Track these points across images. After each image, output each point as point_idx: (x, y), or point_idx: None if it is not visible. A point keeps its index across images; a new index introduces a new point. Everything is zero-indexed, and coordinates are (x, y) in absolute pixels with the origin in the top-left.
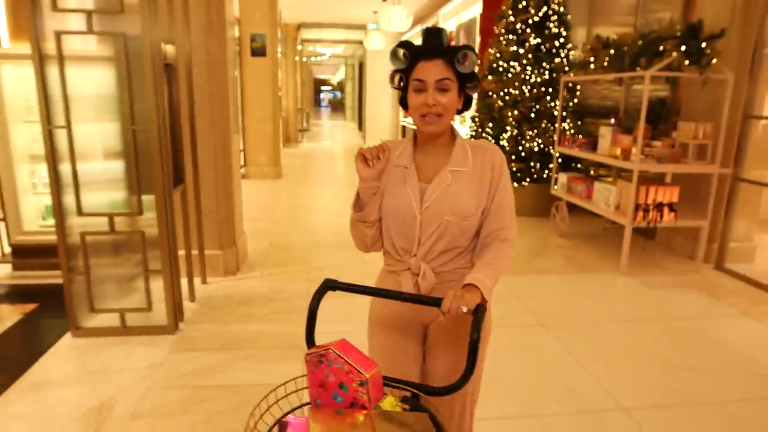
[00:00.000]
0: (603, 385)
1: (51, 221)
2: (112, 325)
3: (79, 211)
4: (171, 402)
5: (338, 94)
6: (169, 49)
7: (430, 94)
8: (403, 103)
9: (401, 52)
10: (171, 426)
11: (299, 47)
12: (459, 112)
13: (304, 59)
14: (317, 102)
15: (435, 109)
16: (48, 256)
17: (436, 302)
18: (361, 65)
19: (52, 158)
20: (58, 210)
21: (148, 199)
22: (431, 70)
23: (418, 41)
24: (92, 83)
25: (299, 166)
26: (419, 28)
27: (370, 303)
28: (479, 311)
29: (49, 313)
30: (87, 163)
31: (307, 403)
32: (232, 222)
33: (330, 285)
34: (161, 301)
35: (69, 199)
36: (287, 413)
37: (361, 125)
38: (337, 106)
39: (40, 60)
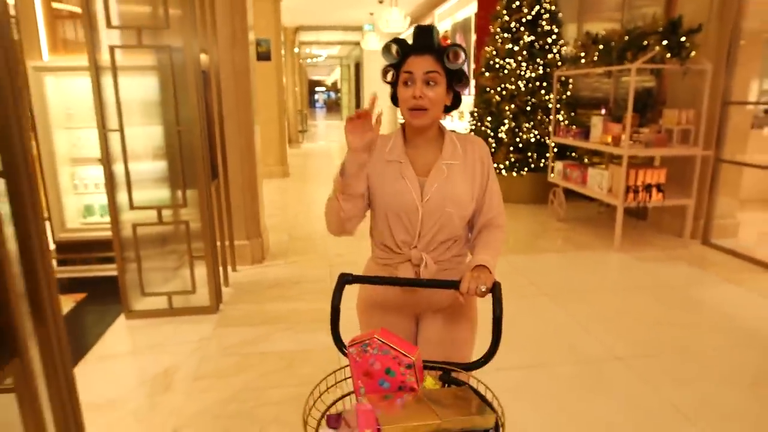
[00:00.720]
0: (600, 340)
1: (91, 219)
2: (160, 307)
3: (131, 206)
4: (226, 366)
5: (332, 94)
6: (203, 58)
7: (418, 87)
8: (394, 98)
9: (394, 47)
10: (229, 384)
11: (296, 50)
12: (448, 110)
13: (301, 61)
14: (312, 103)
15: (421, 101)
16: (90, 251)
17: (454, 284)
18: (358, 65)
19: (107, 159)
20: (112, 205)
21: (188, 193)
22: (420, 63)
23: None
24: (140, 91)
25: (303, 165)
26: None
27: (359, 287)
28: (496, 289)
29: (98, 300)
30: (136, 163)
31: (351, 392)
32: (258, 215)
33: (347, 279)
34: (203, 286)
35: (120, 197)
36: (333, 404)
37: None
38: (332, 107)
39: (96, 71)
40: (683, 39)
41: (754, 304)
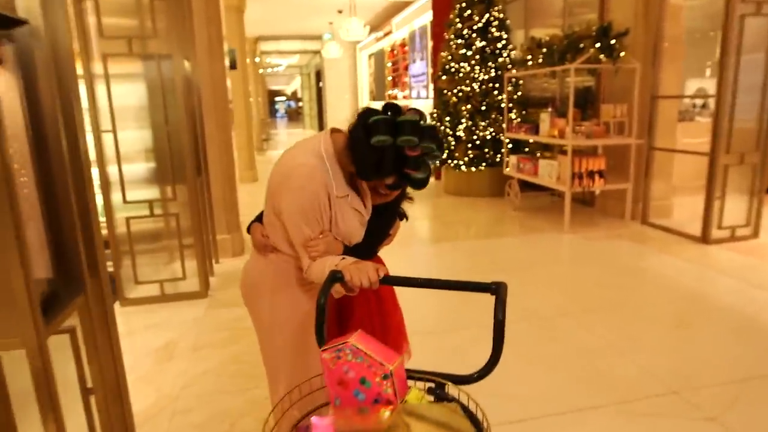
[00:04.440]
0: (551, 302)
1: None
2: (153, 294)
3: (124, 200)
4: (221, 338)
5: (292, 103)
6: (186, 65)
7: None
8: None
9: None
10: (227, 351)
11: (257, 59)
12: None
13: (261, 71)
14: (272, 112)
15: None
16: None
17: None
18: (318, 74)
19: (101, 159)
20: (107, 201)
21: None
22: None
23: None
24: (130, 96)
25: (269, 171)
26: (374, 36)
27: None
28: (501, 290)
29: None
30: (128, 163)
31: (326, 404)
32: (237, 210)
33: (339, 277)
34: (192, 275)
35: (114, 195)
36: (305, 416)
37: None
38: (293, 116)
39: (90, 78)
40: (613, 41)
41: (682, 268)
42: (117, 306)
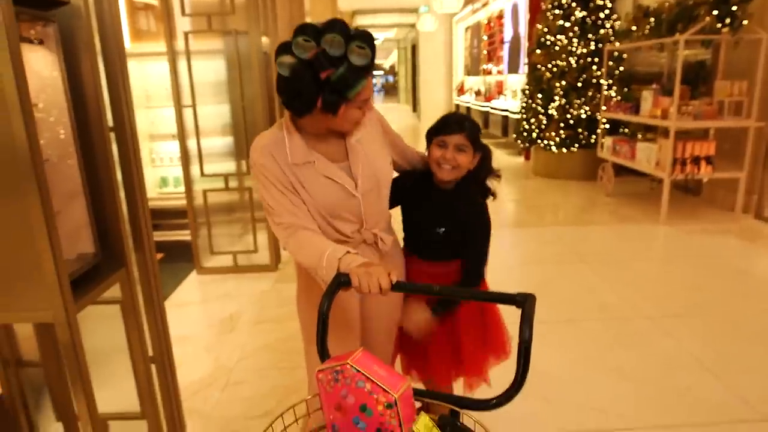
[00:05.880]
0: (631, 302)
1: (166, 189)
2: (227, 264)
3: (202, 173)
4: (283, 314)
5: (390, 78)
6: (264, 41)
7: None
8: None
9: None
10: (286, 327)
11: None
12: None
13: None
14: None
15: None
16: (165, 218)
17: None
18: (414, 48)
19: (182, 132)
20: (186, 175)
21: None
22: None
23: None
24: (209, 73)
25: None
26: (470, 8)
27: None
28: (528, 304)
29: (174, 259)
30: (206, 138)
31: (322, 427)
32: None
33: (344, 281)
34: (264, 249)
35: (193, 169)
36: None
37: (415, 107)
38: (390, 90)
39: (173, 55)
40: (735, 8)
41: None
42: (194, 274)
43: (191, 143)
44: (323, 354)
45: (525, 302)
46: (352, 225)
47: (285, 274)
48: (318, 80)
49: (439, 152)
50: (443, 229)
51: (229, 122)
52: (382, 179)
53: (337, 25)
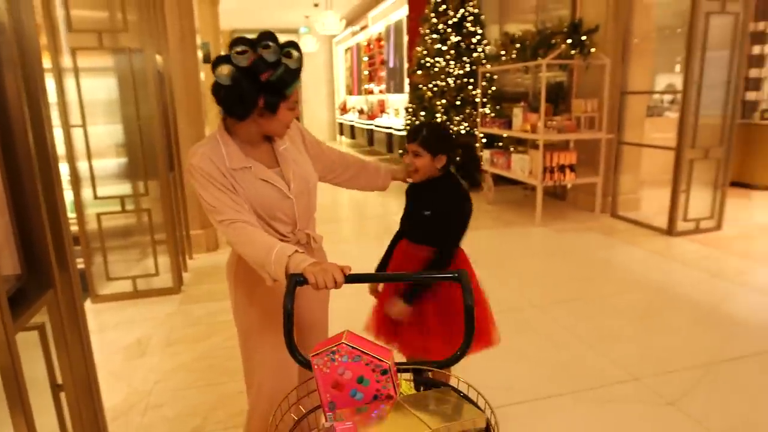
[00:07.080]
0: (520, 293)
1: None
2: (126, 290)
3: (95, 196)
4: (194, 333)
5: None
6: (157, 59)
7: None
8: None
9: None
10: (200, 346)
11: None
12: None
13: None
14: None
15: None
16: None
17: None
18: None
19: (71, 154)
20: (77, 197)
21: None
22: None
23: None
24: (100, 91)
25: None
26: (350, 30)
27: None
28: (464, 277)
29: None
30: (99, 159)
31: (318, 407)
32: None
33: (299, 281)
34: (165, 271)
35: (85, 191)
36: (299, 420)
37: None
38: None
39: (59, 72)
40: (584, 38)
41: (649, 260)
42: (88, 303)
43: (82, 165)
44: (291, 347)
45: (462, 277)
46: (286, 226)
47: (189, 296)
48: (258, 83)
49: (405, 158)
50: (428, 213)
51: (123, 142)
52: (311, 182)
53: (269, 35)
